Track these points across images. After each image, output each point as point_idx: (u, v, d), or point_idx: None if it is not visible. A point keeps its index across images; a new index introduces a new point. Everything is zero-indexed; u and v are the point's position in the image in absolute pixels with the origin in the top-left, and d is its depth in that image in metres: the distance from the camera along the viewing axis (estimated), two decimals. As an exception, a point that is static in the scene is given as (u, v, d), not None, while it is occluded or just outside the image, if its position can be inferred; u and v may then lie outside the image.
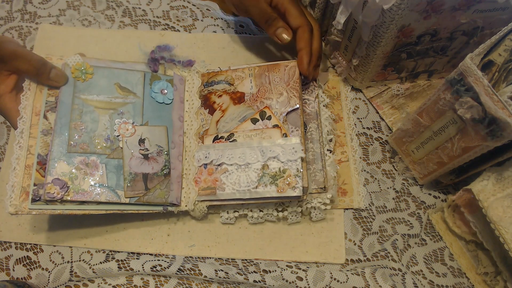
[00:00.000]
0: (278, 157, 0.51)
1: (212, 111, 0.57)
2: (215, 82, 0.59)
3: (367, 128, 0.62)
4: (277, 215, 0.55)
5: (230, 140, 0.54)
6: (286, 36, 0.53)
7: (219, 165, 0.53)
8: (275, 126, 0.53)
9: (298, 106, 0.54)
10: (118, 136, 0.53)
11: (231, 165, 0.52)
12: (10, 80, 0.50)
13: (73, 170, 0.49)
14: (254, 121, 0.54)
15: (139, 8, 0.71)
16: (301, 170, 0.50)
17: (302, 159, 0.51)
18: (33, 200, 0.48)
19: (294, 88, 0.55)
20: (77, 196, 0.49)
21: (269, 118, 0.54)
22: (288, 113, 0.54)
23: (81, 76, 0.53)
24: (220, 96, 0.58)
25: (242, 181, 0.51)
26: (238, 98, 0.57)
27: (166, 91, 0.57)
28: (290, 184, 0.49)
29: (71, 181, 0.49)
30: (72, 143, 0.50)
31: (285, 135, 0.52)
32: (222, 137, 0.55)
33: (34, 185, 0.48)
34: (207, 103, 0.58)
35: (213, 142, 0.55)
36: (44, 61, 0.50)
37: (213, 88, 0.59)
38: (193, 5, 0.71)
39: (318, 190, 0.53)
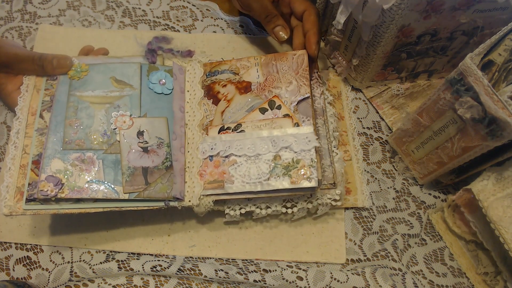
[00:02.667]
0: (291, 147, 0.49)
1: (216, 101, 0.55)
2: (219, 71, 0.57)
3: (367, 128, 0.62)
4: (286, 211, 0.53)
5: (238, 130, 0.52)
6: (283, 34, 0.55)
7: (226, 156, 0.51)
8: (286, 115, 0.51)
9: (308, 94, 0.52)
10: (115, 129, 0.50)
11: (240, 156, 0.50)
12: (17, 79, 0.53)
13: (69, 167, 0.47)
14: (263, 110, 0.52)
15: (139, 8, 0.71)
16: (315, 160, 0.48)
17: (316, 149, 0.49)
18: (28, 200, 0.46)
19: (304, 76, 0.53)
20: (72, 194, 0.46)
21: (279, 107, 0.52)
22: (298, 102, 0.52)
23: (76, 75, 0.52)
24: (225, 85, 0.56)
25: (253, 173, 0.49)
26: (244, 87, 0.55)
27: (164, 81, 0.55)
28: (305, 175, 0.47)
29: (66, 178, 0.47)
30: (67, 140, 0.49)
31: (297, 125, 0.51)
32: (228, 128, 0.52)
33: (29, 184, 0.46)
34: (211, 93, 0.56)
35: (218, 133, 0.53)
36: (43, 55, 0.52)
37: (216, 78, 0.56)
38: (193, 5, 0.71)
39: (328, 186, 0.51)
